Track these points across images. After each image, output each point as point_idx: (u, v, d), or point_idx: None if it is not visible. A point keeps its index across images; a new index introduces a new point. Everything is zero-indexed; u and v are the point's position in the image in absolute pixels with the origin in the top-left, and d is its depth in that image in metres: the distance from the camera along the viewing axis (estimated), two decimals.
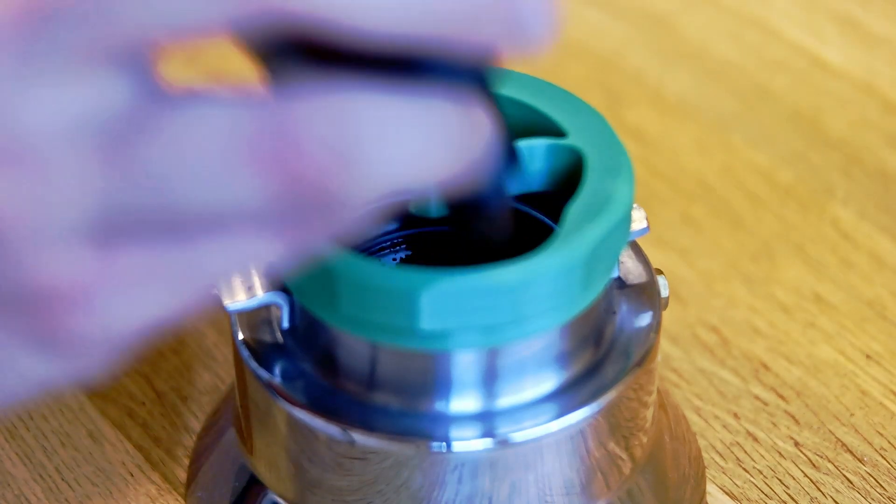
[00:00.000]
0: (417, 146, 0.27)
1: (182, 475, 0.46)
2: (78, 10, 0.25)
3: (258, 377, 0.40)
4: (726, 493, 0.46)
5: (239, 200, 0.27)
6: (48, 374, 0.28)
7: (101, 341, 0.27)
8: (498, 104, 0.31)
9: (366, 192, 0.27)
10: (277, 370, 0.40)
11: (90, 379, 0.28)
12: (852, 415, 0.48)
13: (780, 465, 0.47)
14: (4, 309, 0.27)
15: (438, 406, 0.38)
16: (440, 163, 0.28)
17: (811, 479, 0.46)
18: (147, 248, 0.27)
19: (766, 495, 0.46)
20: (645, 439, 0.42)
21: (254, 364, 0.40)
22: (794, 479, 0.46)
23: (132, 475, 0.46)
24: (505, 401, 0.39)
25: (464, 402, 0.39)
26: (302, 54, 0.28)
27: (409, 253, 0.44)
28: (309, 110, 0.26)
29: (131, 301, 0.27)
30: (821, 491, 0.46)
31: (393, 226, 0.43)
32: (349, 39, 0.26)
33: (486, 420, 0.39)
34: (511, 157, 0.34)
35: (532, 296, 0.36)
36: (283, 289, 0.39)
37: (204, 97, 0.26)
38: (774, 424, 0.48)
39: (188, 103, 0.26)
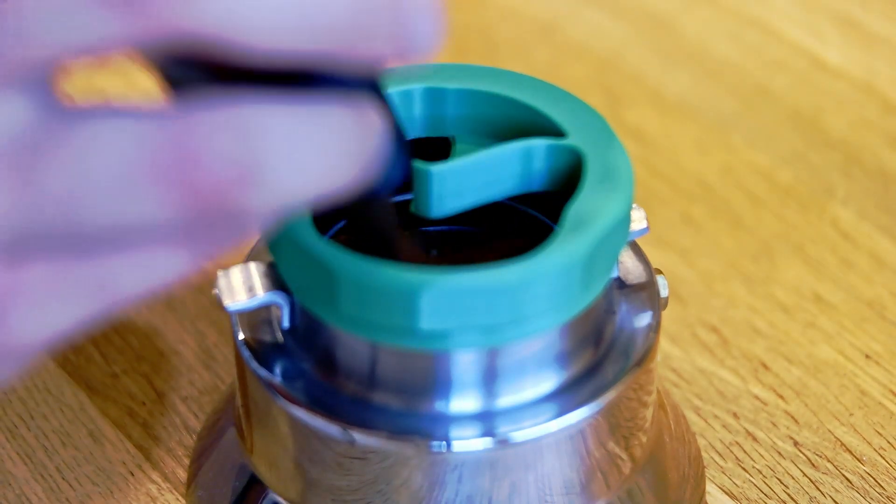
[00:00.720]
0: (316, 155, 0.28)
1: (182, 475, 0.46)
2: None
3: (258, 377, 0.40)
4: (726, 493, 0.46)
5: (142, 216, 0.27)
6: None
7: (12, 351, 0.28)
8: (390, 104, 0.32)
9: (268, 203, 0.28)
10: (278, 370, 0.40)
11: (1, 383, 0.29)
12: (851, 414, 0.48)
13: (780, 464, 0.47)
14: None
15: (438, 406, 0.38)
16: (339, 169, 0.28)
17: (810, 479, 0.46)
18: (54, 263, 0.28)
19: (765, 495, 0.46)
20: (644, 439, 0.42)
21: (254, 364, 0.40)
22: (793, 478, 0.46)
23: (133, 475, 0.46)
24: (505, 400, 0.39)
25: (464, 401, 0.39)
26: (199, 68, 0.28)
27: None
28: (208, 124, 0.27)
29: (42, 313, 0.28)
30: (820, 490, 0.46)
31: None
32: (241, 56, 0.27)
33: (486, 420, 0.38)
34: (401, 154, 0.34)
35: (532, 296, 0.36)
36: (284, 288, 0.39)
37: (105, 113, 0.27)
38: (774, 424, 0.48)
39: (89, 119, 0.27)
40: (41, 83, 0.27)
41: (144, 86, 0.49)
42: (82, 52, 0.26)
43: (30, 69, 0.26)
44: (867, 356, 0.50)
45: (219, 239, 0.28)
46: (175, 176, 0.27)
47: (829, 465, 0.47)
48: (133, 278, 0.28)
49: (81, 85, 0.30)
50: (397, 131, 0.34)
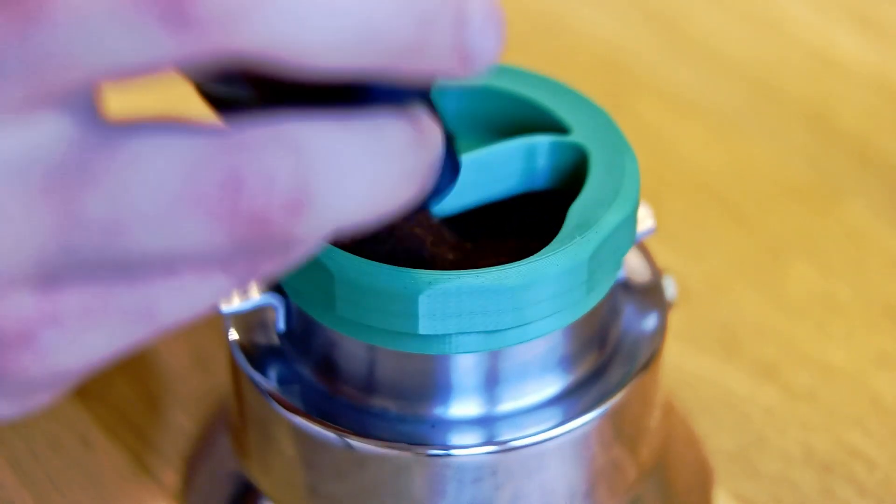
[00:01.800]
0: (373, 175, 0.27)
1: (176, 481, 0.46)
2: (14, 52, 0.24)
3: (253, 381, 0.40)
4: (735, 499, 0.46)
5: (188, 243, 0.26)
6: None
7: (50, 380, 0.27)
8: (441, 112, 0.32)
9: (320, 230, 0.27)
10: (273, 374, 0.40)
11: (36, 411, 0.29)
12: (864, 419, 0.48)
13: (790, 470, 0.47)
14: None
15: (438, 411, 0.38)
16: (397, 189, 0.28)
17: (822, 485, 0.46)
18: (93, 290, 0.27)
19: (776, 501, 0.46)
20: (651, 444, 0.42)
21: (249, 368, 0.40)
22: (804, 484, 0.46)
23: (125, 480, 0.46)
24: (507, 406, 0.39)
25: (464, 406, 0.38)
26: (242, 83, 0.27)
27: None
28: (258, 144, 0.26)
29: (79, 341, 0.27)
30: (832, 496, 0.46)
31: None
32: (294, 73, 0.26)
33: (488, 425, 0.39)
34: (454, 166, 0.34)
35: (534, 298, 0.36)
36: (279, 290, 0.39)
37: (149, 132, 0.26)
38: (784, 428, 0.48)
39: (133, 139, 0.26)
40: (83, 101, 0.26)
41: (184, 103, 0.49)
42: (131, 73, 0.25)
43: (70, 90, 0.25)
44: (880, 359, 0.50)
45: (264, 264, 0.27)
46: (224, 202, 0.26)
47: (841, 471, 0.47)
48: (174, 304, 0.27)
49: (116, 100, 0.30)
50: (448, 137, 0.33)
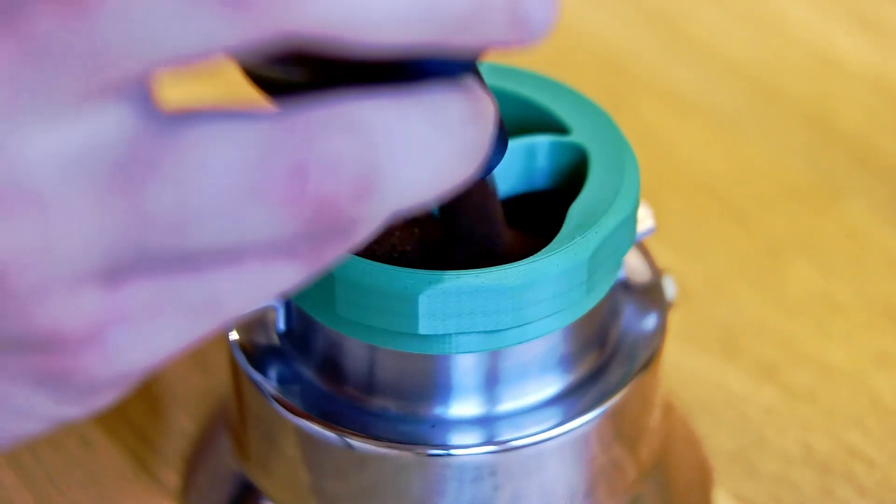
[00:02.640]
0: (437, 152, 0.27)
1: (176, 480, 0.46)
2: (71, 43, 0.24)
3: (253, 381, 0.40)
4: (735, 499, 0.46)
5: (254, 233, 0.26)
6: (60, 412, 0.28)
7: (116, 378, 0.27)
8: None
9: (386, 210, 0.26)
10: (273, 374, 0.40)
11: (101, 411, 0.28)
12: (863, 418, 0.48)
13: (790, 470, 0.46)
14: (13, 354, 0.26)
15: (438, 411, 0.38)
16: (461, 164, 0.27)
17: (822, 485, 0.46)
18: (158, 283, 0.26)
19: (776, 501, 0.46)
20: (651, 444, 0.42)
21: (249, 368, 0.40)
22: (804, 484, 0.46)
23: (125, 480, 0.46)
24: (507, 405, 0.39)
25: (465, 406, 0.38)
26: (294, 64, 0.27)
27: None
28: (321, 126, 0.25)
29: (145, 337, 0.26)
30: (832, 496, 0.46)
31: None
32: (350, 51, 0.25)
33: (488, 425, 0.38)
34: (503, 137, 0.34)
35: (534, 298, 0.36)
36: None
37: (210, 119, 0.25)
38: (784, 428, 0.48)
39: (194, 128, 0.25)
40: (142, 91, 0.25)
41: (233, 88, 0.48)
42: (188, 60, 0.24)
43: (131, 79, 0.24)
44: (880, 358, 0.50)
45: (329, 249, 0.27)
46: (291, 190, 0.25)
47: (840, 471, 0.46)
48: (240, 294, 0.27)
49: (167, 90, 0.29)
50: (498, 116, 0.32)
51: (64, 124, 0.24)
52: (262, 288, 0.27)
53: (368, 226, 0.27)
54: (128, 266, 0.25)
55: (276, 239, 0.26)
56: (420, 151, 0.26)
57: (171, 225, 0.25)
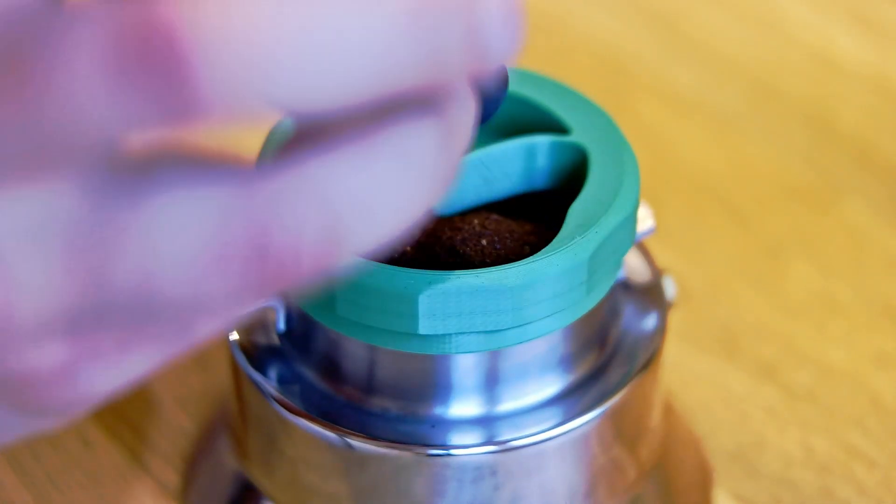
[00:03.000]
0: (401, 195, 0.27)
1: (176, 481, 0.46)
2: (15, 131, 0.24)
3: (253, 381, 0.40)
4: (735, 499, 0.46)
5: (218, 289, 0.26)
6: (31, 427, 0.29)
7: (91, 399, 0.28)
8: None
9: (350, 257, 0.27)
10: (273, 374, 0.40)
11: (71, 422, 0.29)
12: (863, 418, 0.48)
13: (790, 470, 0.46)
14: None
15: (438, 411, 0.38)
16: (424, 197, 0.27)
17: (822, 485, 0.46)
18: (125, 328, 0.27)
19: (776, 501, 0.45)
20: (651, 444, 0.42)
21: (249, 368, 0.40)
22: (804, 484, 0.46)
23: (125, 480, 0.46)
24: (506, 405, 0.39)
25: (464, 406, 0.38)
26: None
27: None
28: (285, 197, 0.26)
29: (117, 367, 0.27)
30: (832, 496, 0.46)
31: None
32: (310, 118, 0.26)
33: (488, 425, 0.38)
34: (503, 82, 0.33)
35: (534, 298, 0.36)
36: None
37: (173, 188, 0.26)
38: (784, 428, 0.48)
39: (157, 198, 0.25)
40: (93, 162, 0.25)
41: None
42: (133, 133, 0.25)
43: (77, 154, 0.25)
44: (880, 358, 0.50)
45: (290, 288, 0.27)
46: (253, 258, 0.26)
47: (841, 471, 0.46)
48: (207, 325, 0.27)
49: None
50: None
51: (19, 196, 0.25)
52: (223, 320, 0.27)
53: (330, 272, 0.27)
54: (93, 319, 0.26)
55: (237, 294, 0.26)
56: (387, 198, 0.26)
57: (131, 290, 0.26)
